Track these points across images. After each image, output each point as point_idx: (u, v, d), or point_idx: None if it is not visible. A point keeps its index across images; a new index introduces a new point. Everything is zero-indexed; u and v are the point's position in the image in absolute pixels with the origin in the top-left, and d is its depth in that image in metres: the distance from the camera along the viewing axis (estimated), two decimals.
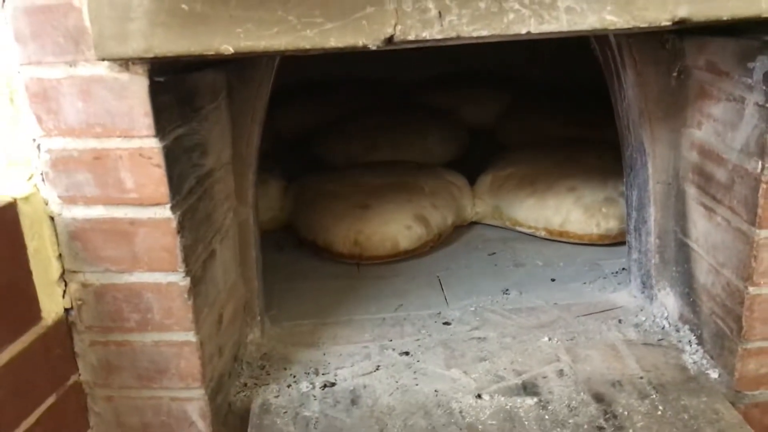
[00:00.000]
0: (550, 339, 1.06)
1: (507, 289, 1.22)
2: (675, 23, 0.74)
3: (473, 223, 1.49)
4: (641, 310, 1.12)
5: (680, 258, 1.05)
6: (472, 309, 1.17)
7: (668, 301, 1.09)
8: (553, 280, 1.25)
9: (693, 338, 1.03)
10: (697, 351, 1.01)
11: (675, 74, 1.00)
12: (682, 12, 0.74)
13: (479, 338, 1.08)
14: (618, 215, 1.31)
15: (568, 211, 1.33)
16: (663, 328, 1.07)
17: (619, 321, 1.10)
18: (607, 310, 1.13)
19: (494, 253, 1.36)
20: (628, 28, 0.74)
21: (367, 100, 2.10)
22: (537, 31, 0.74)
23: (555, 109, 1.85)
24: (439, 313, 1.16)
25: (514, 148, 1.64)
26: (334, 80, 2.15)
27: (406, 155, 1.67)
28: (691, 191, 1.00)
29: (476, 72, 2.20)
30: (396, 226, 1.32)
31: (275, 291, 1.23)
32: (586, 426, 0.87)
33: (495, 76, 2.17)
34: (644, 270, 1.13)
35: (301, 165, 1.68)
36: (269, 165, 1.52)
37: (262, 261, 1.12)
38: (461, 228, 1.47)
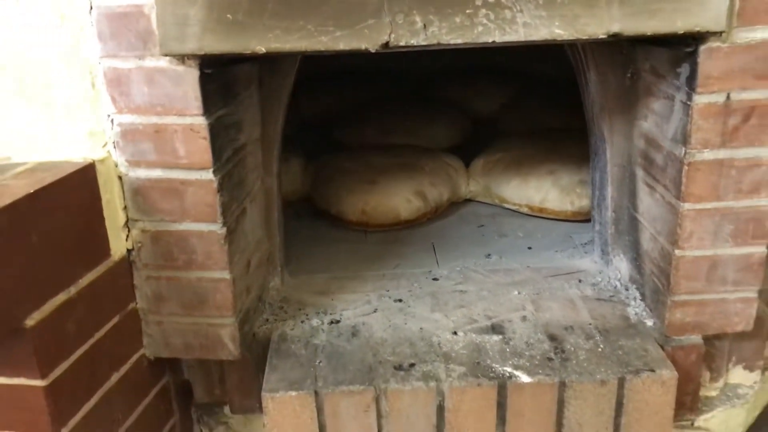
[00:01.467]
0: (519, 293, 1.27)
1: (489, 254, 1.43)
2: (610, 36, 0.94)
3: (467, 200, 1.70)
4: (599, 273, 1.33)
5: (631, 229, 1.25)
6: (458, 269, 1.38)
7: (621, 265, 1.30)
8: (530, 248, 1.46)
9: (638, 295, 1.23)
10: (639, 305, 1.21)
11: (628, 76, 1.20)
12: (615, 28, 0.94)
13: (461, 291, 1.29)
14: (590, 195, 1.51)
15: (547, 191, 1.54)
16: (615, 287, 1.28)
17: (580, 281, 1.31)
18: (572, 272, 1.34)
19: (482, 226, 1.57)
20: (573, 39, 0.95)
21: (383, 89, 2.31)
22: (501, 41, 0.95)
23: (551, 101, 2.04)
24: (430, 271, 1.38)
25: (508, 136, 1.84)
26: (355, 71, 2.36)
27: (414, 140, 1.88)
28: (639, 173, 1.20)
29: (485, 66, 2.39)
30: (398, 199, 1.54)
31: (294, 250, 1.46)
32: (538, 357, 1.09)
33: (501, 70, 2.37)
34: (603, 239, 1.34)
35: (321, 146, 1.90)
36: (293, 145, 1.74)
37: (284, 225, 1.35)
38: (456, 204, 1.68)
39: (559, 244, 1.46)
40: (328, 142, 2.00)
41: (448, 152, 1.78)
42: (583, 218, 1.52)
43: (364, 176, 1.59)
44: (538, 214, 1.57)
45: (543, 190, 1.54)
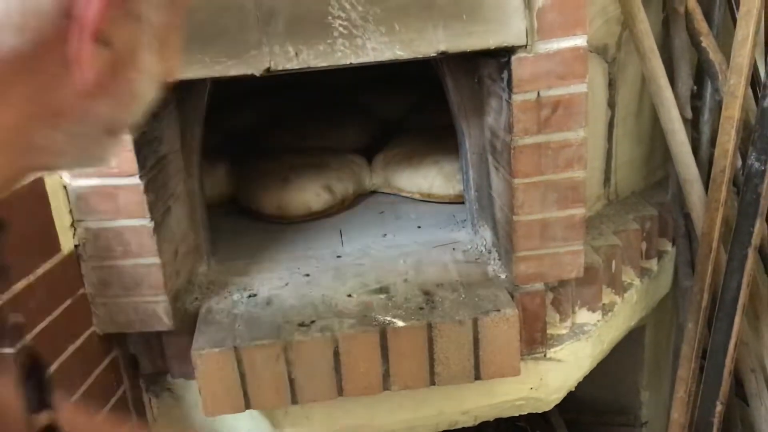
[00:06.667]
0: (404, 261, 1.55)
1: (385, 234, 1.71)
2: (439, 54, 1.23)
3: (371, 192, 1.98)
4: (470, 242, 1.62)
5: (489, 204, 1.55)
6: (359, 248, 1.65)
7: (486, 234, 1.59)
8: (419, 227, 1.74)
9: (496, 256, 1.52)
10: (497, 264, 1.50)
11: (476, 81, 1.49)
12: (442, 47, 1.22)
13: (359, 264, 1.57)
14: None
15: (433, 178, 1.82)
16: (481, 252, 1.57)
17: (453, 249, 1.59)
18: (449, 243, 1.63)
19: (383, 212, 1.85)
20: (411, 58, 1.23)
21: (302, 100, 2.58)
22: (356, 62, 1.23)
23: (446, 104, 2.33)
24: (335, 251, 1.65)
25: (404, 134, 2.13)
26: (277, 86, 2.62)
27: (327, 142, 2.15)
28: (489, 158, 1.49)
29: (393, 75, 2.67)
30: (308, 194, 1.81)
31: (221, 242, 1.71)
32: (413, 308, 1.37)
33: (406, 78, 2.65)
34: (472, 215, 1.63)
35: (246, 152, 2.16)
36: (219, 153, 2.00)
37: (212, 221, 1.60)
38: (362, 195, 1.96)
39: (443, 222, 1.75)
40: (253, 149, 2.26)
41: (357, 152, 2.06)
42: (463, 201, 1.81)
43: (278, 175, 1.85)
44: (428, 199, 1.85)
45: (430, 178, 1.83)
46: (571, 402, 1.77)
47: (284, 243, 1.72)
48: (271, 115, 2.47)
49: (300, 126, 2.28)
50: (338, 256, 1.62)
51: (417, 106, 2.48)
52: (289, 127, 2.29)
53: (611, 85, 1.71)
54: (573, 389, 1.63)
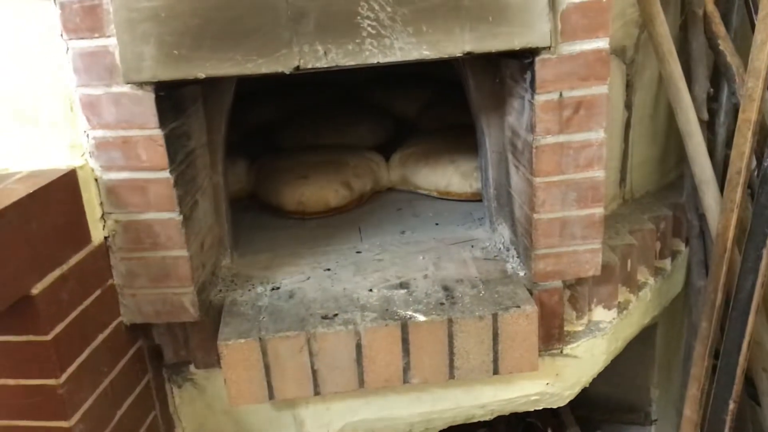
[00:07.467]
0: (424, 258, 1.58)
1: (404, 231, 1.74)
2: (465, 54, 1.25)
3: (388, 189, 2.01)
4: (488, 239, 1.65)
5: (508, 202, 1.57)
6: (378, 244, 1.68)
7: (504, 232, 1.62)
8: (437, 224, 1.77)
9: (515, 253, 1.55)
10: (516, 261, 1.53)
11: (497, 81, 1.52)
12: (468, 48, 1.25)
13: (378, 260, 1.60)
14: None
15: (450, 176, 1.85)
16: (499, 249, 1.60)
17: (472, 246, 1.62)
18: (467, 240, 1.65)
19: (400, 209, 1.88)
20: (437, 58, 1.26)
21: (318, 98, 2.62)
22: (384, 61, 1.25)
23: (460, 102, 2.36)
24: (355, 246, 1.68)
25: (420, 133, 2.16)
26: (294, 84, 2.65)
27: (343, 140, 2.18)
28: (509, 157, 1.52)
29: (407, 74, 2.71)
30: (328, 190, 1.84)
31: (242, 236, 1.74)
32: (433, 303, 1.40)
33: (422, 77, 2.69)
34: (490, 213, 1.66)
35: (264, 149, 2.19)
36: (239, 150, 2.03)
37: (233, 216, 1.63)
38: (379, 192, 1.99)
39: (461, 219, 1.78)
40: (270, 146, 2.29)
41: (373, 150, 2.09)
42: (481, 198, 1.84)
43: (298, 172, 1.88)
44: (445, 197, 1.88)
45: (447, 177, 1.86)
46: (581, 399, 1.80)
47: (304, 238, 1.75)
48: (287, 113, 2.50)
49: (316, 124, 2.31)
50: (358, 252, 1.65)
51: (430, 105, 2.51)
52: (305, 125, 2.32)
53: (629, 86, 1.73)
54: (586, 386, 1.66)
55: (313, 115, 2.40)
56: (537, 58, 1.29)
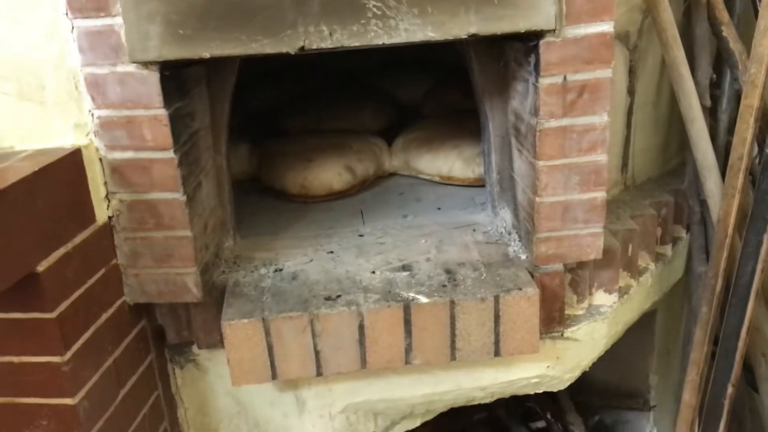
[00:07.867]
0: (426, 241, 1.59)
1: (406, 215, 1.75)
2: (469, 36, 1.25)
3: (391, 174, 2.01)
4: (491, 223, 1.65)
5: (510, 186, 1.58)
6: (380, 227, 1.69)
7: (506, 216, 1.63)
8: (439, 208, 1.78)
9: (516, 237, 1.56)
10: (517, 245, 1.54)
11: (501, 64, 1.52)
12: (473, 30, 1.25)
13: (381, 243, 1.60)
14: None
15: (453, 162, 1.86)
16: (501, 233, 1.60)
17: (474, 230, 1.63)
18: (470, 225, 1.66)
19: (402, 193, 1.89)
20: (442, 40, 1.26)
21: (321, 82, 2.61)
22: (389, 42, 1.25)
23: (464, 87, 2.36)
24: (357, 229, 1.69)
25: (423, 118, 2.16)
26: (297, 68, 2.65)
27: (345, 125, 2.18)
28: (513, 141, 1.53)
29: (409, 59, 2.70)
30: (331, 174, 1.84)
31: (245, 219, 1.75)
32: (435, 285, 1.40)
33: (423, 62, 2.68)
34: (493, 197, 1.66)
35: (267, 133, 2.20)
36: (242, 133, 2.03)
37: (236, 199, 1.64)
38: (381, 177, 1.99)
39: (463, 204, 1.79)
40: (273, 129, 2.29)
41: (375, 134, 2.09)
42: (483, 183, 1.84)
43: (301, 156, 1.89)
44: (447, 182, 1.89)
45: (450, 162, 1.86)
46: (581, 385, 1.81)
47: (307, 221, 1.75)
48: (290, 97, 2.50)
49: (319, 109, 2.31)
50: (360, 235, 1.65)
51: (433, 90, 2.51)
52: (309, 109, 2.32)
53: (631, 72, 1.73)
54: (586, 370, 1.67)
55: (317, 99, 2.40)
56: (541, 41, 1.29)
